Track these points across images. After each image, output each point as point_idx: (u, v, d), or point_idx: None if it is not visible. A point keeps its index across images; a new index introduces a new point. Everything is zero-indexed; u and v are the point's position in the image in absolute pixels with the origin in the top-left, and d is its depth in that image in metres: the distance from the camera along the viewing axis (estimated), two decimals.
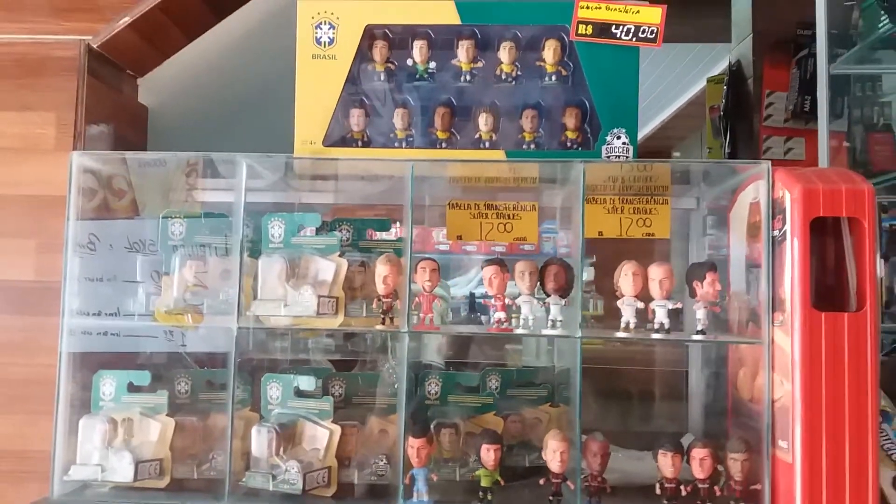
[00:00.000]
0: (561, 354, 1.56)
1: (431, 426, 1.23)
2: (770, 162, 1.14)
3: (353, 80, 1.37)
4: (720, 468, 1.12)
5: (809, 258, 1.06)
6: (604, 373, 1.47)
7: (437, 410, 1.30)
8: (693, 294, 1.16)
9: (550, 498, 1.11)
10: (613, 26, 1.31)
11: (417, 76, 1.37)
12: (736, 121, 2.81)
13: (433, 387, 1.31)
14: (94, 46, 1.45)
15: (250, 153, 1.24)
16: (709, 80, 3.13)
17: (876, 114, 2.14)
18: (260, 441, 1.14)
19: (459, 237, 1.47)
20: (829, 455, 1.03)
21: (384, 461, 1.16)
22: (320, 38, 1.37)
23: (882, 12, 1.43)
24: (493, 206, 1.46)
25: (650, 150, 5.68)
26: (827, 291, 1.09)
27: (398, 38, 1.37)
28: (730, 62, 2.91)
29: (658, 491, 1.11)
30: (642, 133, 5.84)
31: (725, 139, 2.83)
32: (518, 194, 1.48)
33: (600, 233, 1.47)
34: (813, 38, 1.69)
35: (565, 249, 1.92)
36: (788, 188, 1.09)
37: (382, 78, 1.37)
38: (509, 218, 1.45)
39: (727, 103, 2.86)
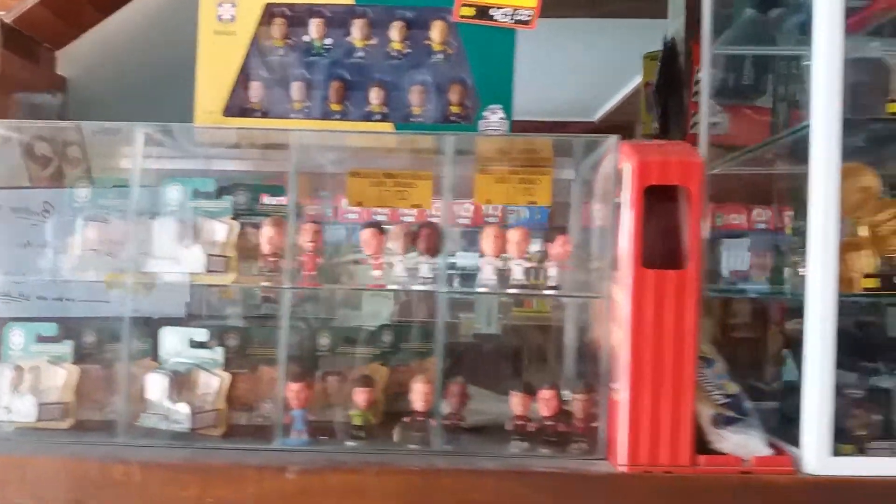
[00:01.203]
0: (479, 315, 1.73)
1: (318, 374, 1.40)
2: (618, 137, 1.31)
3: (252, 54, 1.51)
4: (568, 408, 1.30)
5: (641, 222, 1.23)
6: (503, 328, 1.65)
7: (329, 360, 1.47)
8: (547, 255, 1.33)
9: (415, 433, 1.28)
10: (492, 8, 1.46)
11: (313, 52, 1.52)
12: (668, 97, 2.98)
13: (324, 339, 1.48)
14: (8, 22, 1.58)
15: (149, 122, 1.38)
16: (645, 57, 3.28)
17: (799, 91, 2.32)
18: (154, 386, 1.30)
19: (360, 203, 1.64)
20: (652, 395, 1.21)
21: (270, 405, 1.33)
22: (222, 15, 1.51)
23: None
24: (391, 174, 1.61)
25: (616, 123, 5.84)
26: (670, 253, 1.27)
27: (296, 16, 1.52)
28: (664, 39, 3.05)
29: (508, 427, 1.29)
30: (608, 107, 6.01)
31: (656, 115, 3.01)
32: (420, 163, 1.64)
33: (489, 200, 1.64)
34: None
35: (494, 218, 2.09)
36: (629, 160, 1.26)
37: (281, 53, 1.52)
38: (406, 186, 1.62)
39: (660, 79, 3.02)
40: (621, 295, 1.24)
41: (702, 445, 1.23)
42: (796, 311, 1.83)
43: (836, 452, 1.24)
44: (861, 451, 1.26)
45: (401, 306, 1.72)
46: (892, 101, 1.25)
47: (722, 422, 1.25)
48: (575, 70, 5.08)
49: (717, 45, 1.78)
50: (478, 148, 1.55)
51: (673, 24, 2.99)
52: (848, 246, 1.25)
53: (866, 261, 1.25)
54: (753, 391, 1.35)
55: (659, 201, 1.27)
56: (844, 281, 1.23)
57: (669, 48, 2.97)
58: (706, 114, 1.77)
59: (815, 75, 1.25)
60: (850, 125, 1.23)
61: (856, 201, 1.26)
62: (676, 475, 1.20)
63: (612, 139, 1.31)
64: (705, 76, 1.79)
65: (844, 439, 1.27)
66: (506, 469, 1.22)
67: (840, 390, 1.33)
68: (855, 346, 1.54)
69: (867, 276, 1.25)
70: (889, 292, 1.25)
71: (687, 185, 1.24)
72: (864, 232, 1.27)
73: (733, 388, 1.29)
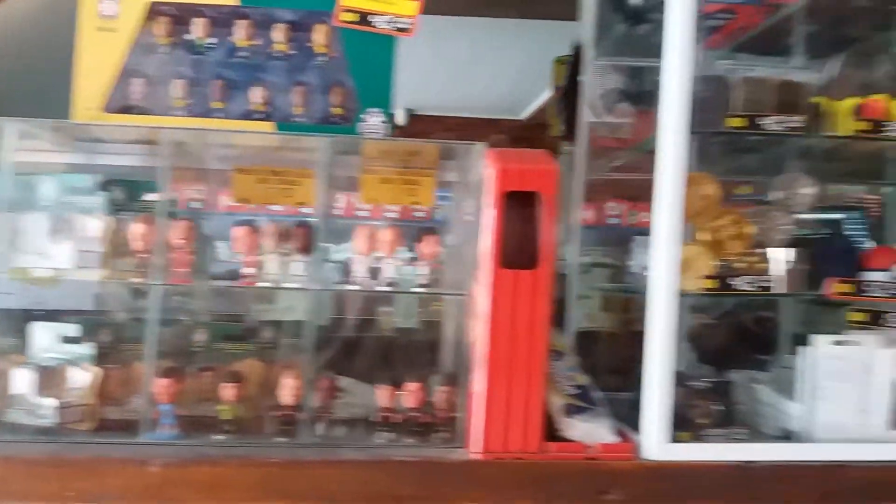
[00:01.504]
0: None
1: (190, 369, 1.43)
2: (486, 144, 1.39)
3: (135, 51, 1.53)
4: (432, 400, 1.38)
5: (501, 224, 1.32)
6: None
7: (204, 356, 1.50)
8: (418, 253, 1.40)
9: (283, 427, 1.34)
10: (372, 15, 1.52)
11: (197, 51, 1.55)
12: (574, 100, 3.10)
13: (200, 335, 1.52)
14: None
15: (22, 118, 1.39)
16: (555, 61, 3.39)
17: None
18: (21, 381, 1.32)
19: (245, 200, 1.67)
20: (505, 386, 1.30)
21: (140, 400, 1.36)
22: (104, 11, 1.52)
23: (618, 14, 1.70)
24: (277, 172, 1.65)
25: (541, 122, 5.96)
26: (531, 254, 1.36)
27: (181, 15, 1.55)
28: (572, 43, 3.16)
29: (374, 420, 1.36)
30: (535, 106, 6.13)
31: (563, 118, 3.12)
32: (306, 163, 1.68)
33: (374, 200, 1.70)
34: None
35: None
36: (491, 166, 1.34)
37: (164, 51, 1.54)
38: (291, 184, 1.66)
39: (567, 83, 3.13)
40: (481, 292, 1.33)
41: (554, 433, 1.33)
42: (702, 307, 1.96)
43: (675, 439, 1.35)
44: (698, 439, 1.38)
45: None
46: (732, 115, 1.37)
47: (571, 411, 1.35)
48: (505, 69, 5.19)
49: (597, 55, 1.89)
50: (365, 149, 1.61)
51: (581, 29, 3.11)
52: (688, 249, 1.36)
53: (705, 263, 1.37)
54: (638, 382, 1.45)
55: (524, 206, 1.36)
56: (684, 281, 1.35)
57: (576, 53, 3.09)
58: (585, 119, 1.88)
59: (664, 90, 1.36)
60: (694, 137, 1.34)
61: (698, 208, 1.37)
62: (526, 461, 1.30)
63: (478, 146, 1.40)
64: (586, 83, 1.89)
65: (685, 427, 1.39)
66: (367, 459, 1.29)
67: (685, 382, 1.45)
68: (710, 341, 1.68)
69: (706, 277, 1.37)
70: (725, 292, 1.37)
71: (543, 191, 1.33)
72: (704, 236, 1.39)
73: (583, 379, 1.39)
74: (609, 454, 1.32)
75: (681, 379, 1.46)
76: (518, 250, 1.32)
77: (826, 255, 1.44)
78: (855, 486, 1.37)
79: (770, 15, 1.54)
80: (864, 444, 1.38)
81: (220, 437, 1.33)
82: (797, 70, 1.52)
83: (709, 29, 1.60)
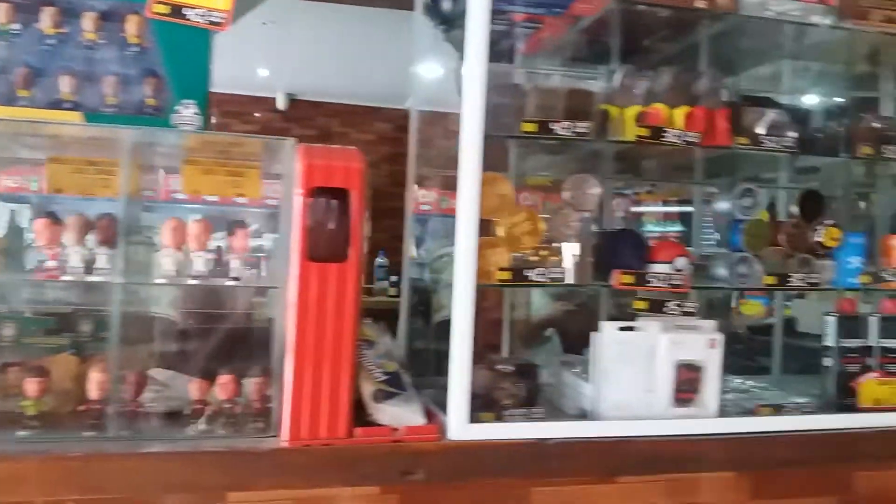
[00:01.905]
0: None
1: None
2: (295, 140, 1.44)
3: None
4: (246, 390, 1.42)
5: (306, 219, 1.37)
6: (200, 317, 1.71)
7: (12, 351, 1.47)
8: (229, 246, 1.43)
9: (90, 421, 1.34)
10: (185, 8, 1.53)
11: None
12: None
13: (8, 330, 1.48)
14: None
15: None
16: None
17: None
18: None
19: (59, 190, 1.63)
20: (314, 375, 1.36)
21: None
22: None
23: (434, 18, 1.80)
24: (94, 162, 1.62)
25: None
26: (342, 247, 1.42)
27: None
28: None
29: (187, 412, 1.38)
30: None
31: None
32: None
33: (196, 191, 1.70)
34: None
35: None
36: (300, 162, 1.39)
37: None
38: (108, 174, 1.64)
39: None
40: (290, 284, 1.38)
41: (366, 419, 1.41)
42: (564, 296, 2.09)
43: (478, 420, 1.47)
44: (500, 419, 1.50)
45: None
46: (527, 121, 1.49)
47: (381, 397, 1.43)
48: (388, 58, 5.22)
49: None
50: (187, 140, 1.61)
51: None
52: (487, 244, 1.48)
53: (501, 256, 1.48)
54: None
55: (334, 201, 1.42)
56: (484, 273, 1.46)
57: None
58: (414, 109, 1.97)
59: (464, 96, 1.46)
60: (490, 140, 1.45)
61: (494, 206, 1.49)
62: (334, 446, 1.37)
63: (289, 142, 1.44)
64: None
65: (491, 408, 1.51)
66: (173, 451, 1.31)
67: (492, 365, 1.57)
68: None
69: (502, 269, 1.49)
70: (519, 283, 1.50)
71: (349, 188, 1.40)
72: (500, 232, 1.51)
73: (392, 366, 1.48)
74: (414, 436, 1.41)
75: (490, 363, 1.59)
76: (326, 244, 1.38)
77: (616, 248, 1.60)
78: (639, 459, 1.54)
79: (572, 26, 1.68)
80: (648, 420, 1.55)
81: (24, 433, 1.31)
82: (593, 78, 1.67)
83: (518, 37, 1.72)
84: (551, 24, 1.70)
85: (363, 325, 1.55)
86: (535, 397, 1.58)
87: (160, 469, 1.29)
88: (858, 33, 1.69)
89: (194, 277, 1.41)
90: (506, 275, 1.48)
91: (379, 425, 1.42)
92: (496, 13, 1.64)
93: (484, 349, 1.91)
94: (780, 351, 2.05)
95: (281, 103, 7.01)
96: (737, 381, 1.86)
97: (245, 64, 5.88)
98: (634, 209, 3.44)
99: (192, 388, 1.39)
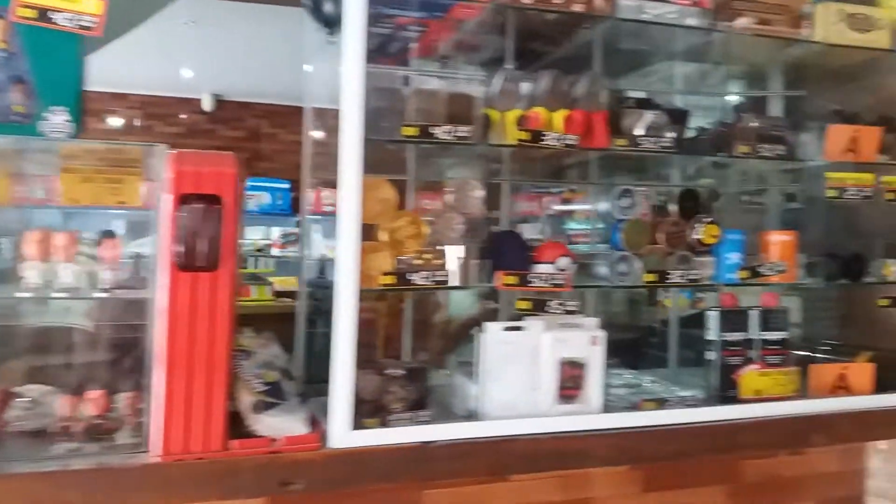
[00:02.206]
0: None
1: None
2: (167, 146, 1.41)
3: None
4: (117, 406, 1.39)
5: (176, 227, 1.35)
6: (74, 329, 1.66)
7: None
8: (99, 256, 1.40)
9: None
10: (52, 12, 1.49)
11: None
12: None
13: None
14: None
15: None
16: None
17: None
18: None
19: None
20: (185, 387, 1.34)
21: None
22: None
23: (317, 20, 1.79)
24: None
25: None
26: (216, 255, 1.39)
27: None
28: None
29: (53, 430, 1.35)
30: None
31: None
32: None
33: (75, 200, 1.66)
34: None
35: None
36: (170, 168, 1.37)
37: None
38: None
39: None
40: (160, 294, 1.36)
41: (243, 431, 1.39)
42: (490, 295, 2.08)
43: (362, 426, 1.47)
44: (386, 423, 1.50)
45: None
46: (407, 125, 1.49)
47: (261, 407, 1.42)
48: (288, 55, 5.16)
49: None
50: (61, 148, 1.57)
51: None
52: (370, 248, 1.48)
53: (384, 261, 1.49)
54: None
55: (206, 208, 1.39)
56: (367, 278, 1.46)
57: None
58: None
59: (342, 99, 1.46)
60: (371, 144, 1.45)
61: (377, 211, 1.49)
62: (207, 460, 1.35)
63: (160, 148, 1.42)
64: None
65: (380, 413, 1.51)
66: (35, 471, 1.27)
67: (381, 370, 1.57)
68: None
69: (385, 273, 1.49)
70: (404, 287, 1.50)
71: (221, 194, 1.38)
72: (383, 237, 1.51)
73: (273, 376, 1.46)
74: (294, 446, 1.40)
75: (380, 367, 1.59)
76: (197, 252, 1.36)
77: (500, 250, 1.62)
78: (525, 457, 1.56)
79: (457, 30, 1.69)
80: (532, 418, 1.57)
81: None
82: (482, 82, 1.69)
83: (404, 41, 1.73)
84: (436, 28, 1.71)
85: (242, 335, 1.53)
86: (424, 400, 1.59)
87: (19, 490, 1.25)
88: (734, 35, 1.75)
89: (62, 290, 1.38)
90: (389, 279, 1.48)
91: (257, 437, 1.40)
92: (379, 17, 1.65)
93: (380, 352, 1.92)
94: (676, 345, 2.11)
95: (207, 104, 6.88)
96: (627, 375, 1.91)
97: (168, 64, 5.76)
98: (559, 207, 3.50)
99: (61, 404, 1.36)
